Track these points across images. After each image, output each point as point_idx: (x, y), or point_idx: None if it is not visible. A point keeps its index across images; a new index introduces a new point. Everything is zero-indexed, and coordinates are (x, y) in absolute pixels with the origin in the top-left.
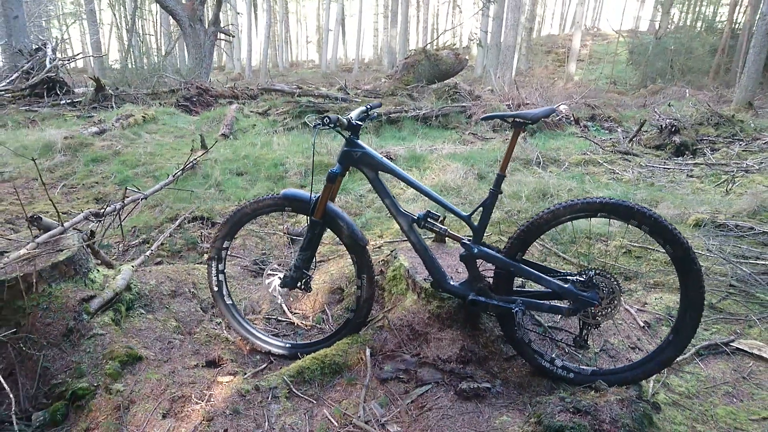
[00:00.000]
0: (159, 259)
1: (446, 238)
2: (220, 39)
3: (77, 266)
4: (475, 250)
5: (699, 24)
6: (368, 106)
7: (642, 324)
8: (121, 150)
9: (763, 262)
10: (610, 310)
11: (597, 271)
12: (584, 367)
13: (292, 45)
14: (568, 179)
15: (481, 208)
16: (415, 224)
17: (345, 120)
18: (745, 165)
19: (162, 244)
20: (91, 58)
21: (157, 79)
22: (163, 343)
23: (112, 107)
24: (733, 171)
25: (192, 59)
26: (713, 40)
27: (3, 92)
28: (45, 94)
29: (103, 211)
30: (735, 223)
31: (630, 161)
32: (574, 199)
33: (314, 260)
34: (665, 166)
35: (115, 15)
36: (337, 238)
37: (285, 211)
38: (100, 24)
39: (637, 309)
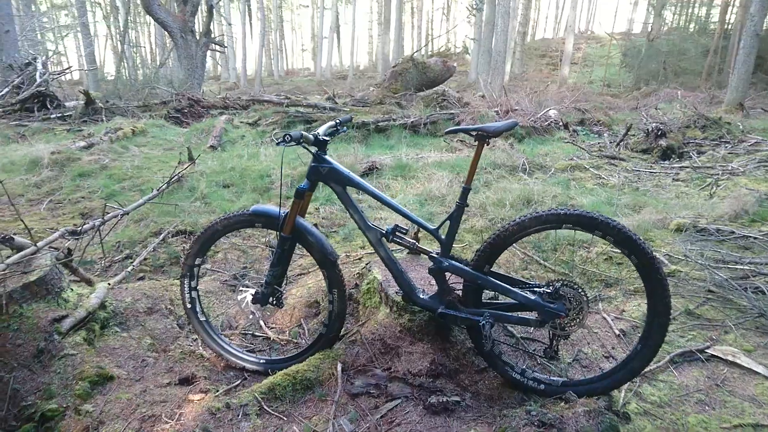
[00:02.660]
0: (142, 275)
1: None
2: (213, 49)
3: (49, 286)
4: (443, 264)
5: (691, 25)
6: (338, 121)
7: (618, 332)
8: (109, 164)
9: (742, 267)
10: (578, 320)
11: (564, 282)
12: (555, 378)
13: (287, 53)
14: (554, 185)
15: (448, 222)
16: (383, 238)
17: (311, 136)
18: (730, 167)
19: (145, 259)
20: (86, 70)
21: (149, 91)
22: (137, 362)
23: (102, 120)
24: (717, 174)
25: (184, 70)
26: (705, 41)
27: None
28: (36, 108)
29: (80, 228)
30: (716, 228)
31: (616, 166)
32: (540, 210)
33: (286, 276)
34: (651, 171)
35: (109, 27)
36: None
37: (255, 227)
38: (95, 36)
39: (614, 317)
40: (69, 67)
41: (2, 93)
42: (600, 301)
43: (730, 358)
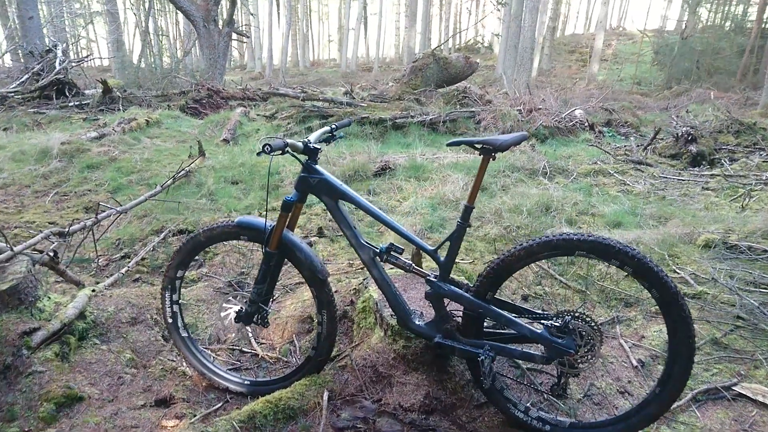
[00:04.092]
0: (138, 275)
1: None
2: (237, 39)
3: (22, 295)
4: (441, 288)
5: (727, 24)
6: (333, 126)
7: (635, 362)
8: (118, 156)
9: None
10: (588, 358)
11: (574, 315)
12: (562, 419)
13: (313, 44)
14: (575, 191)
15: (447, 242)
16: (377, 258)
17: (300, 144)
18: (764, 177)
19: (143, 259)
20: (113, 57)
21: (168, 80)
22: (113, 379)
23: (119, 110)
24: (751, 184)
25: (206, 60)
26: (741, 40)
27: (13, 94)
28: (54, 96)
29: (67, 230)
30: (748, 245)
31: (642, 171)
32: (551, 234)
33: (272, 294)
34: (679, 178)
35: (135, 15)
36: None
37: (240, 239)
38: (125, 23)
39: (632, 344)
40: (88, 55)
41: (22, 80)
42: (618, 324)
43: (760, 398)
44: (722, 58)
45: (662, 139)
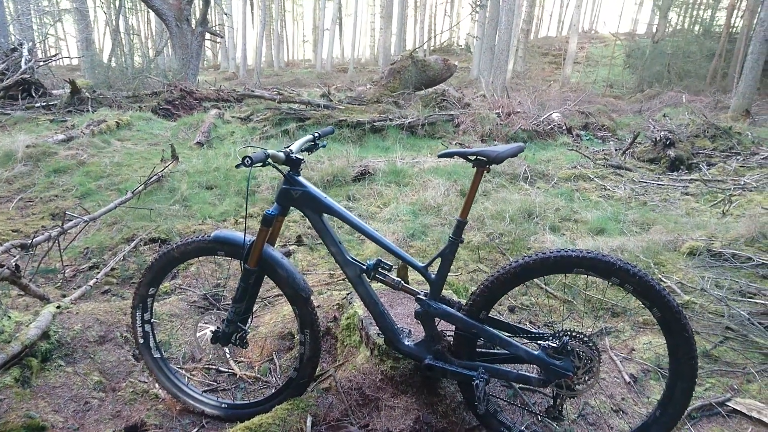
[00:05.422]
0: (107, 287)
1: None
2: (211, 39)
3: None
4: (432, 307)
5: (696, 28)
6: (316, 134)
7: (627, 378)
8: (87, 160)
9: (762, 301)
10: (587, 380)
11: (572, 335)
12: None
13: (288, 44)
14: (556, 196)
15: (439, 259)
16: (364, 275)
17: (282, 154)
18: (742, 182)
19: (112, 269)
20: (82, 57)
21: (140, 81)
22: (79, 404)
23: (88, 111)
24: (730, 189)
25: (179, 60)
26: (710, 44)
27: None
28: (20, 96)
29: (30, 241)
30: (732, 252)
31: (622, 176)
32: (547, 251)
33: (251, 313)
34: (659, 183)
35: (105, 13)
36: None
37: (217, 255)
38: (95, 21)
39: (623, 357)
40: (56, 54)
41: None
42: (606, 335)
43: (755, 414)
44: (692, 62)
45: (640, 143)
